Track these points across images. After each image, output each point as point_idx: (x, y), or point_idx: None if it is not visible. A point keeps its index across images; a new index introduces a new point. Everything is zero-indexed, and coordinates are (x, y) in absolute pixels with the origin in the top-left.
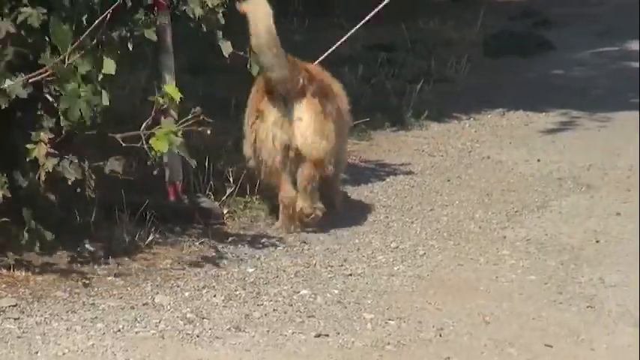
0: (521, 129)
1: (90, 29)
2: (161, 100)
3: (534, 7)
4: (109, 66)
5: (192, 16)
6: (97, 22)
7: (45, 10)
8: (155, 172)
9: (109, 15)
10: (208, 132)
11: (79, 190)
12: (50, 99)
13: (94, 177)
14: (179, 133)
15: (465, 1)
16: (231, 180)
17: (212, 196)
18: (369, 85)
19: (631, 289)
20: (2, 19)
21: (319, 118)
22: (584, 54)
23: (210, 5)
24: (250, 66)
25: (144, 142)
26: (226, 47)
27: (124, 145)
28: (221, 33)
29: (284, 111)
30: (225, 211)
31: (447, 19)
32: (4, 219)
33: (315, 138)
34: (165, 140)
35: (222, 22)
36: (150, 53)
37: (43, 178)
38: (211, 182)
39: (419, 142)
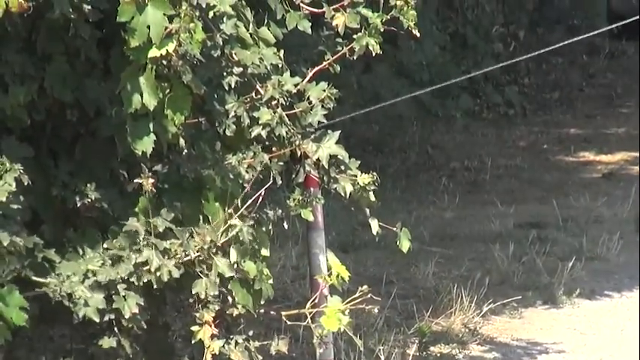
0: None
1: (244, 207)
2: (328, 279)
3: None
4: (265, 250)
5: (343, 194)
6: (250, 201)
7: None
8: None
9: (262, 194)
10: (375, 311)
11: None
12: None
13: (260, 357)
14: (346, 312)
15: (616, 178)
16: (382, 359)
17: None
18: (520, 264)
19: None
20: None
21: None
22: None
23: (361, 183)
24: (400, 242)
25: (309, 320)
26: (374, 225)
27: (289, 323)
28: (369, 210)
29: None
30: None
31: (598, 195)
32: None
33: None
34: (335, 319)
35: (373, 199)
36: (301, 230)
37: None
38: None
39: (571, 320)
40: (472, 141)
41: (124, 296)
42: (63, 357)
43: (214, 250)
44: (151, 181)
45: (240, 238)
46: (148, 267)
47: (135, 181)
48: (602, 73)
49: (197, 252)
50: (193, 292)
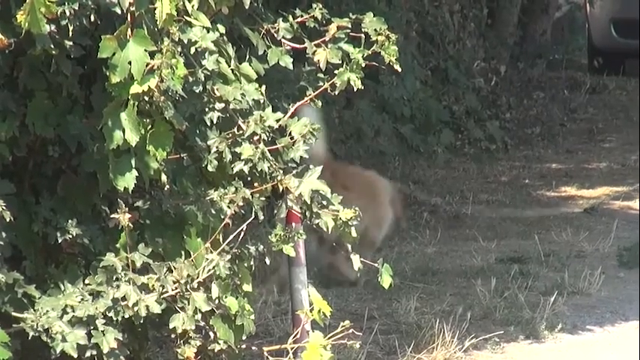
0: None
1: (225, 243)
2: (310, 314)
3: None
4: (247, 285)
5: (325, 229)
6: (231, 236)
7: None
8: None
9: (243, 230)
10: (357, 346)
11: None
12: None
13: None
14: (328, 347)
15: (598, 213)
16: None
17: None
18: (502, 298)
19: None
20: None
21: None
22: None
23: (343, 219)
24: (381, 278)
25: (291, 355)
26: (356, 261)
27: (270, 358)
28: (350, 246)
29: None
30: None
31: (579, 230)
32: None
33: None
34: (317, 354)
35: (355, 234)
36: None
37: None
38: None
39: (553, 355)
40: (454, 176)
41: (102, 331)
42: None
43: (194, 285)
44: (128, 216)
45: (217, 273)
46: (126, 302)
47: (112, 216)
48: (583, 107)
49: (174, 287)
50: (170, 327)
